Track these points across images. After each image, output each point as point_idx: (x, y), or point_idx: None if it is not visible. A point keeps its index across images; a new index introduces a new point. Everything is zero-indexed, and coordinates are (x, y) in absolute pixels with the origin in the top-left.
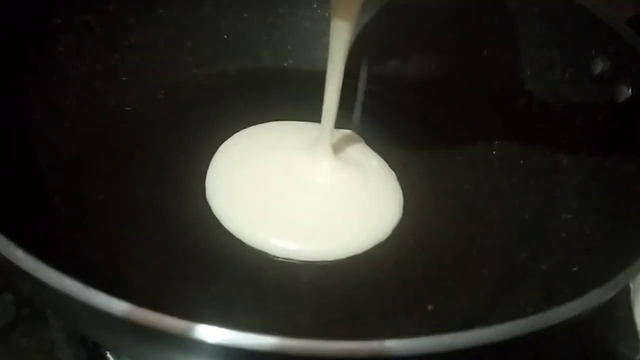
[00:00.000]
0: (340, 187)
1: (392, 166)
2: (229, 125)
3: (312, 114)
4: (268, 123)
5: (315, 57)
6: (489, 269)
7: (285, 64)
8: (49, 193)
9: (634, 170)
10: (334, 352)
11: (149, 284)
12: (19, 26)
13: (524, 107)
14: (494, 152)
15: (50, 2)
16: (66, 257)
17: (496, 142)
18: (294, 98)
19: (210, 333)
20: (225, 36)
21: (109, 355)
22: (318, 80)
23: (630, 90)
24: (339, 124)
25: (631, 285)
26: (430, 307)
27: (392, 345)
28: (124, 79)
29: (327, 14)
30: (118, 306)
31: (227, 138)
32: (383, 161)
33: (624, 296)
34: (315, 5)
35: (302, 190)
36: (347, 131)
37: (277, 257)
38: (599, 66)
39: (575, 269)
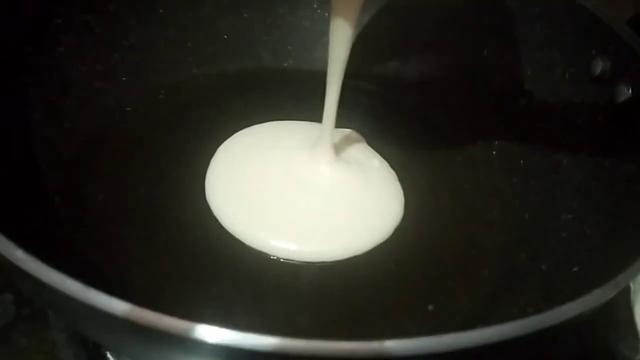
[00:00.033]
0: (341, 187)
1: (392, 166)
2: (229, 125)
3: (312, 114)
4: (268, 123)
5: (315, 57)
6: (489, 269)
7: (285, 64)
8: (49, 193)
9: (634, 170)
10: (334, 352)
11: (149, 284)
12: (19, 26)
13: (524, 107)
14: (494, 152)
15: (50, 2)
16: (66, 257)
17: (496, 142)
18: (294, 98)
19: (210, 333)
20: (225, 36)
21: (109, 355)
22: (318, 80)
23: (630, 91)
24: (339, 124)
25: (631, 286)
26: (430, 307)
27: (392, 345)
28: (124, 79)
29: (327, 14)
30: (118, 306)
31: (227, 138)
32: (384, 161)
33: (624, 296)
34: (315, 5)
35: (303, 191)
36: (348, 130)
37: (277, 258)
38: (599, 66)
39: (575, 269)
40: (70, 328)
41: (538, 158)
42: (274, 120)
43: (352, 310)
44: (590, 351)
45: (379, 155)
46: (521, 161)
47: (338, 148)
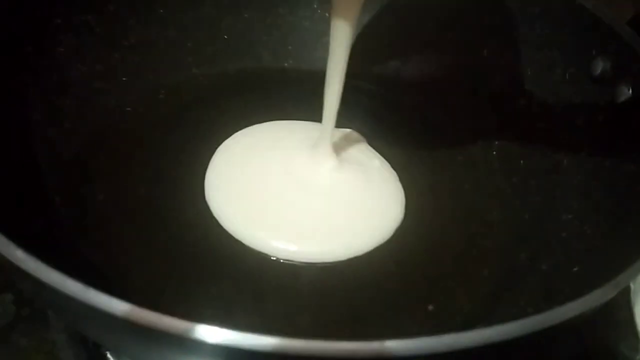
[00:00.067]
0: (341, 187)
1: (392, 166)
2: (229, 125)
3: (313, 114)
4: (268, 122)
5: (315, 57)
6: (489, 269)
7: (285, 64)
8: (49, 193)
9: (634, 170)
10: (334, 352)
11: (149, 284)
12: (19, 26)
13: (524, 107)
14: (494, 152)
15: (50, 2)
16: (66, 257)
17: (496, 142)
18: (294, 98)
19: (210, 333)
20: (225, 36)
21: (109, 355)
22: (318, 80)
23: (630, 91)
24: (339, 124)
25: (631, 286)
26: (430, 307)
27: (393, 345)
28: (124, 79)
29: (327, 14)
30: (118, 306)
31: (227, 138)
32: (385, 161)
33: (625, 296)
34: (315, 5)
35: (303, 191)
36: (348, 130)
37: (277, 259)
38: (599, 66)
39: (575, 269)
40: (70, 328)
41: (538, 158)
42: (274, 120)
43: (352, 310)
44: (590, 351)
45: (379, 155)
46: (521, 161)
47: (338, 148)
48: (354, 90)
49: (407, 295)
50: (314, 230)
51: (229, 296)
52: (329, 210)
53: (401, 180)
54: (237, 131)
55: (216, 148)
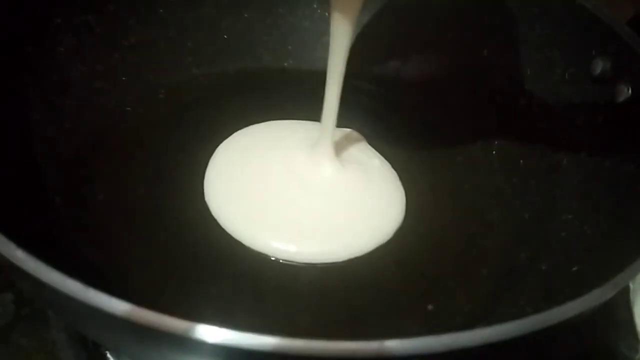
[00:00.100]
0: (342, 187)
1: (392, 166)
2: (229, 125)
3: (313, 114)
4: (268, 122)
5: (315, 57)
6: (488, 269)
7: (285, 64)
8: (49, 193)
9: (634, 170)
10: (334, 352)
11: (149, 284)
12: (19, 26)
13: (524, 107)
14: (494, 152)
15: (50, 2)
16: (66, 257)
17: (496, 142)
18: (294, 98)
19: (210, 333)
20: (225, 36)
21: (109, 355)
22: (318, 80)
23: (630, 91)
24: (339, 124)
25: (631, 285)
26: (430, 307)
27: (393, 345)
28: (124, 79)
29: (327, 14)
30: (118, 306)
31: (226, 138)
32: (385, 161)
33: (624, 296)
34: (315, 5)
35: (303, 191)
36: (348, 130)
37: (277, 259)
38: (599, 66)
39: (575, 269)
40: (70, 328)
41: (538, 158)
42: (274, 120)
43: (352, 310)
44: (590, 351)
45: (379, 155)
46: (521, 161)
47: (338, 148)
48: (354, 90)
49: (406, 295)
50: (314, 231)
51: (229, 296)
52: (329, 210)
53: (401, 180)
54: (236, 131)
55: (216, 148)
